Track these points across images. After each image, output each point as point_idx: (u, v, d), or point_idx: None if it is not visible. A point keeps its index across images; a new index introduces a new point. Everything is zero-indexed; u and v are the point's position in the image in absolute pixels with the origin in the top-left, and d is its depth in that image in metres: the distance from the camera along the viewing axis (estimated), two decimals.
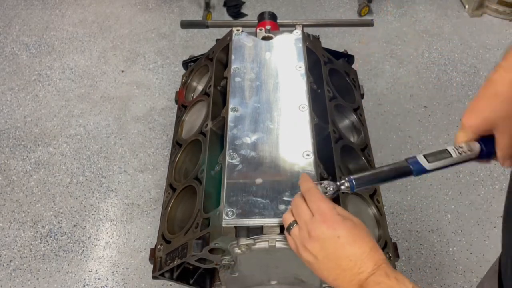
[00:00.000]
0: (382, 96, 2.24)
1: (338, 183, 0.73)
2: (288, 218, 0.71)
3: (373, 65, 2.35)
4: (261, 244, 0.80)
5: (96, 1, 2.77)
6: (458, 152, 0.72)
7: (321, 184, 0.73)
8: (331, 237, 0.64)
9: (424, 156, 0.73)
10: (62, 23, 2.64)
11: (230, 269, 0.88)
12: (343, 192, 0.75)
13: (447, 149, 0.73)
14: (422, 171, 0.72)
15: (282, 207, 0.80)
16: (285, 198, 0.81)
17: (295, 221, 0.70)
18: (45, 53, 2.48)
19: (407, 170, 0.72)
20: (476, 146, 0.73)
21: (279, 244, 0.80)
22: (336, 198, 0.88)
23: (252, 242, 0.79)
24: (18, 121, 2.17)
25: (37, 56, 2.46)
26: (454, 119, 2.15)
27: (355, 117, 1.13)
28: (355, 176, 0.73)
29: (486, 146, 0.72)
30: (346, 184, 0.73)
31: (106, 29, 2.60)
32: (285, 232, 0.72)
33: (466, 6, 2.64)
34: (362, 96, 1.23)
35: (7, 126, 2.15)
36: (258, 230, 0.79)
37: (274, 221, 0.78)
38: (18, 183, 1.95)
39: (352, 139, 1.09)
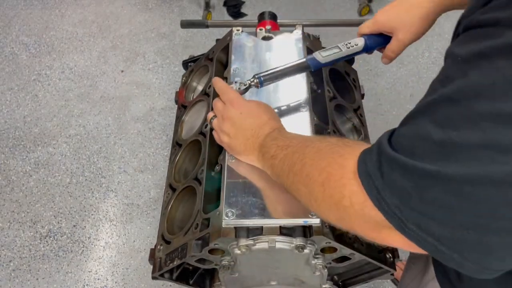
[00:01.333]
0: (382, 96, 2.24)
1: (249, 81, 0.86)
2: (209, 115, 0.86)
3: (373, 65, 2.35)
4: (261, 244, 0.79)
5: (96, 1, 2.77)
6: (347, 47, 0.90)
7: (235, 83, 0.86)
8: (236, 114, 0.79)
9: (319, 52, 0.87)
10: (62, 23, 2.64)
11: (230, 270, 0.88)
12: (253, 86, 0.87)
13: (338, 46, 0.89)
14: (318, 64, 0.87)
15: (282, 207, 0.79)
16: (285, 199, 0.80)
17: (215, 116, 0.84)
18: (44, 53, 2.47)
19: (305, 65, 0.87)
20: (361, 41, 0.91)
21: (279, 245, 0.79)
22: None
23: (252, 242, 0.79)
24: (18, 121, 2.17)
25: (37, 56, 2.46)
26: None
27: (355, 117, 1.12)
28: (262, 73, 0.87)
29: (370, 42, 0.92)
30: (256, 80, 0.86)
31: (106, 29, 2.60)
32: (211, 127, 0.86)
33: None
34: (362, 96, 1.22)
35: (6, 126, 2.15)
36: (258, 231, 0.79)
37: (274, 221, 0.78)
38: (18, 183, 1.95)
39: (352, 138, 1.08)
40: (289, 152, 0.68)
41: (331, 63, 0.89)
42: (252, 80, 0.87)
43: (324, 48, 0.92)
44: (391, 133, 0.51)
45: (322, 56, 0.87)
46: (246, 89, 0.87)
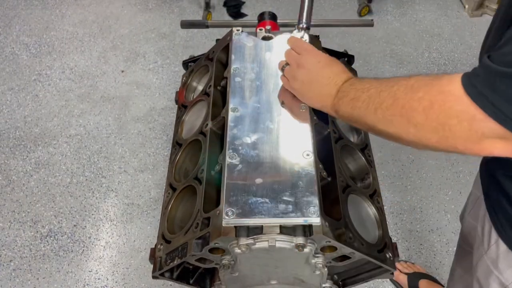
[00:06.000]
0: None
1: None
2: (281, 63, 0.92)
3: (373, 65, 2.35)
4: (261, 243, 0.80)
5: (96, 1, 2.77)
6: None
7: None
8: (314, 62, 0.85)
9: None
10: (62, 23, 2.65)
11: (230, 269, 0.88)
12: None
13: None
14: None
15: (282, 206, 0.80)
16: (285, 198, 0.81)
17: (287, 63, 0.89)
18: (45, 53, 2.48)
19: None
20: None
21: (279, 244, 0.80)
22: (336, 198, 0.88)
23: (252, 241, 0.79)
24: (18, 121, 2.17)
25: (37, 56, 2.46)
26: None
27: None
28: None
29: None
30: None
31: (106, 29, 2.61)
32: (281, 75, 0.93)
33: (466, 6, 2.64)
34: None
35: (7, 126, 2.15)
36: (258, 230, 0.79)
37: (274, 220, 0.78)
38: (18, 183, 1.95)
39: (352, 139, 1.09)
40: (372, 93, 0.72)
41: None
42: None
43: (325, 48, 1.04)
44: (489, 56, 0.60)
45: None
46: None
